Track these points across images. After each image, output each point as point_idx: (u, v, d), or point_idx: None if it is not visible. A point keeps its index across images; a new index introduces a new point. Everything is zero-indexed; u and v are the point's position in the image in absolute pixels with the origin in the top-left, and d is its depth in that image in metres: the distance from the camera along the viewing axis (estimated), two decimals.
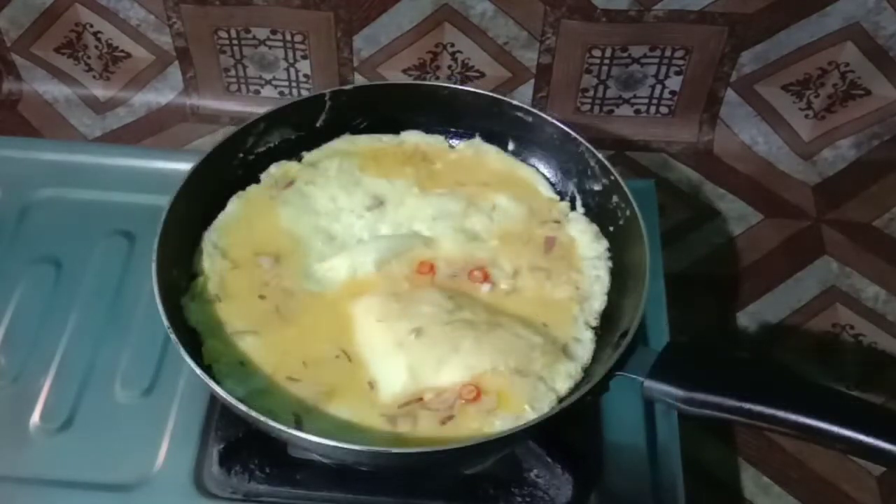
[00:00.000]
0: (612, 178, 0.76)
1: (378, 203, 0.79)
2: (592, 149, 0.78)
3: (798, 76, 0.99)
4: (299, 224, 0.78)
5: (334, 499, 0.71)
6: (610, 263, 0.76)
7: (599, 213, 0.78)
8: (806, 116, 1.02)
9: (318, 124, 0.83)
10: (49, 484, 0.72)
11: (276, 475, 0.72)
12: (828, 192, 1.01)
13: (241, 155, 0.80)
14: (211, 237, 0.76)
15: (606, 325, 0.72)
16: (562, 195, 0.81)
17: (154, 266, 0.68)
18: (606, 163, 0.77)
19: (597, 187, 0.78)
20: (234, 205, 0.79)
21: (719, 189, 1.02)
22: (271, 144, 0.82)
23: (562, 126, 0.80)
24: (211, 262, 0.74)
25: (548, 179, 0.82)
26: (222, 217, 0.78)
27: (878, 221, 0.98)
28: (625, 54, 0.98)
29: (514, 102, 0.82)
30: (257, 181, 0.81)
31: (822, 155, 1.04)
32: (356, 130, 0.84)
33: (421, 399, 0.67)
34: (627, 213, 0.74)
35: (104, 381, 0.78)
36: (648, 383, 0.60)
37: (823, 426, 0.54)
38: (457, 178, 0.82)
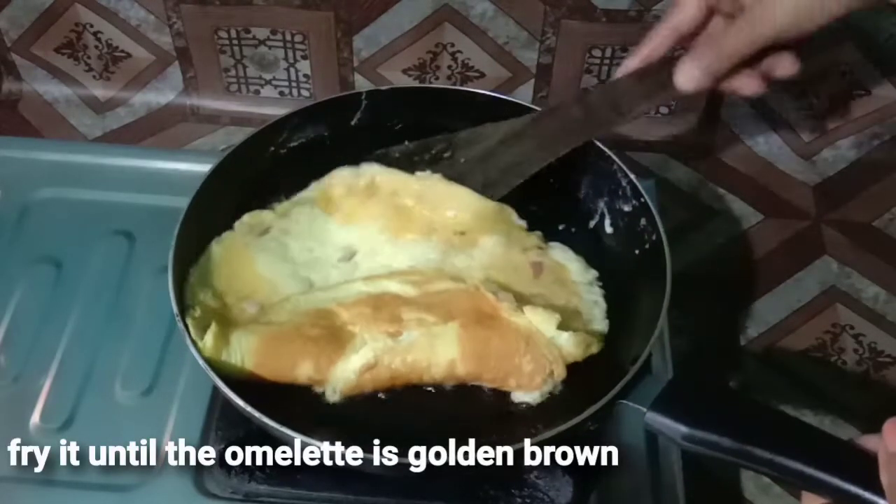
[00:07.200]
0: (643, 200, 0.73)
1: (350, 254, 0.75)
2: (625, 168, 0.75)
3: (797, 76, 0.99)
4: (277, 271, 0.73)
5: (334, 499, 0.71)
6: (603, 290, 0.73)
7: (627, 235, 0.75)
8: (806, 116, 1.02)
9: (352, 122, 0.83)
10: (49, 484, 0.72)
11: (276, 475, 0.72)
12: (828, 192, 1.01)
13: (273, 148, 0.80)
14: (195, 275, 0.72)
15: (607, 348, 0.70)
16: (590, 213, 0.79)
17: (172, 253, 0.68)
18: (638, 184, 0.74)
19: (627, 208, 0.76)
20: (214, 250, 0.74)
21: (719, 189, 1.02)
22: (304, 140, 0.81)
23: (595, 143, 0.77)
24: (203, 297, 0.70)
25: (558, 191, 0.79)
26: (203, 261, 0.73)
27: (878, 221, 0.98)
28: (625, 54, 0.98)
29: None
30: (287, 180, 0.79)
31: (822, 155, 1.03)
32: (391, 132, 0.82)
33: None
34: (654, 237, 0.71)
35: (104, 381, 0.78)
36: (650, 415, 0.59)
37: (825, 478, 0.52)
38: (429, 221, 0.76)
